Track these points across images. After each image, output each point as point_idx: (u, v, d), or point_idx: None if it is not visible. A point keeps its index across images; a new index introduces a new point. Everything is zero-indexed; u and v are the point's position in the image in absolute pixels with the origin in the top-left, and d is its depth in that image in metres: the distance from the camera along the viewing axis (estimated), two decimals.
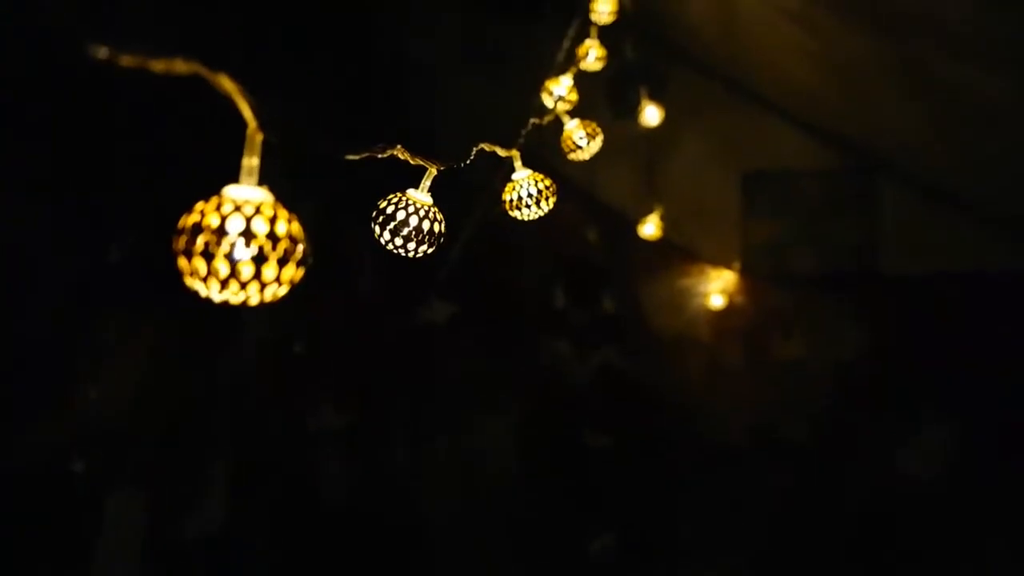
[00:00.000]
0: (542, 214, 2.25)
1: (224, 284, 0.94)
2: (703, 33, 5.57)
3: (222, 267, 0.93)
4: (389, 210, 1.61)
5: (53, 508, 4.05)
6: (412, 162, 1.58)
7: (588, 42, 3.62)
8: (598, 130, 2.76)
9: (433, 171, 1.64)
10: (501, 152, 2.12)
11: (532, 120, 2.54)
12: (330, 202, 4.87)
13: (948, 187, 5.15)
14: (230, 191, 0.97)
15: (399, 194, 1.63)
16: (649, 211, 5.24)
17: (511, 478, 5.69)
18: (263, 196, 0.97)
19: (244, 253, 0.94)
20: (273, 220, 0.96)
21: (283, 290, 0.98)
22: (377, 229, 1.60)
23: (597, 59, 3.64)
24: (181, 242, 0.94)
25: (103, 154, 3.94)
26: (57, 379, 4.07)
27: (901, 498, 5.20)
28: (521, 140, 2.32)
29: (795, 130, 5.65)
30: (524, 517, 5.52)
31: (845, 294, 5.62)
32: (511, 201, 2.24)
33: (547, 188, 2.22)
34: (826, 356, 5.58)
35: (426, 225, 1.61)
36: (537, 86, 3.45)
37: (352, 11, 5.55)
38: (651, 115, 4.90)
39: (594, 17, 3.70)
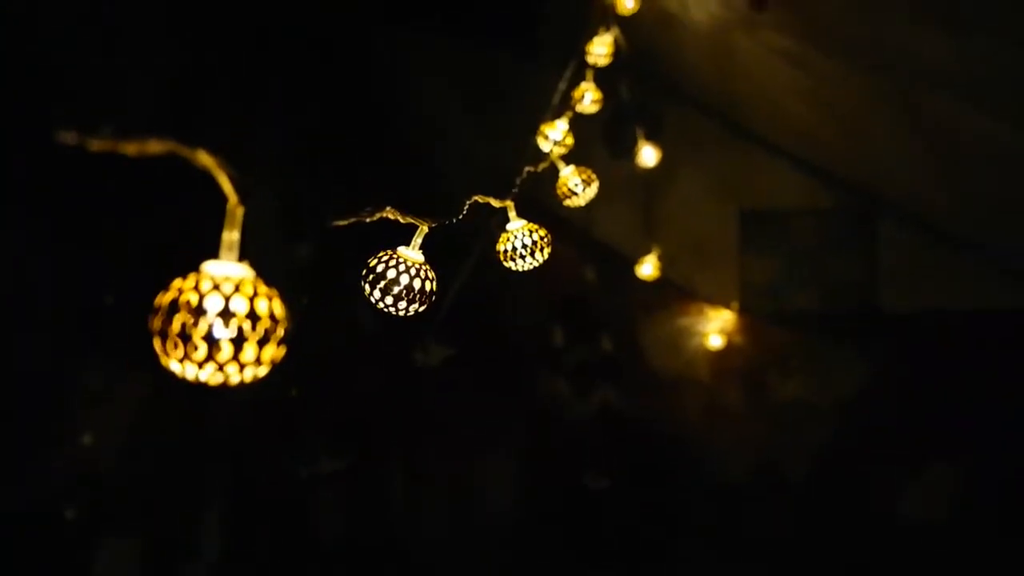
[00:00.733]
0: (537, 265, 2.22)
1: (202, 365, 0.91)
2: (699, 72, 5.59)
3: (199, 349, 0.89)
4: (379, 268, 1.57)
5: (45, 553, 3.99)
6: (403, 220, 1.55)
7: (584, 85, 3.61)
8: (594, 177, 2.74)
9: (425, 228, 1.61)
10: (495, 203, 2.09)
11: (527, 168, 2.52)
12: (327, 241, 4.85)
13: (946, 225, 5.14)
14: (209, 267, 0.93)
15: (389, 252, 1.60)
16: (647, 251, 5.22)
17: (509, 520, 5.61)
18: (243, 272, 0.94)
19: (223, 333, 0.90)
20: (253, 298, 0.93)
21: (263, 370, 0.94)
22: (367, 288, 1.57)
23: (593, 102, 3.63)
24: (157, 322, 0.90)
25: (101, 198, 3.93)
26: (50, 423, 4.02)
27: (902, 539, 5.13)
28: (516, 189, 2.29)
29: (792, 168, 5.65)
30: (522, 560, 5.45)
31: (844, 333, 5.58)
32: (506, 252, 2.21)
33: (542, 239, 2.19)
34: (826, 395, 5.53)
35: (417, 284, 1.57)
36: (533, 128, 3.44)
37: (348, 55, 5.56)
38: (648, 156, 4.89)
39: (590, 59, 3.70)
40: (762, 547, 5.39)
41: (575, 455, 5.73)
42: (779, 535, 5.39)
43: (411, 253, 1.60)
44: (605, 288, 5.99)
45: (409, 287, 1.57)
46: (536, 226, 2.21)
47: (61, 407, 4.08)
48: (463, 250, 5.00)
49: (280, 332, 0.94)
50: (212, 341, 0.90)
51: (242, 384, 0.94)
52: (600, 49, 3.68)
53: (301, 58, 5.11)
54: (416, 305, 1.59)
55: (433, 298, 1.62)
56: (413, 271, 1.58)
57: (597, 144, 5.64)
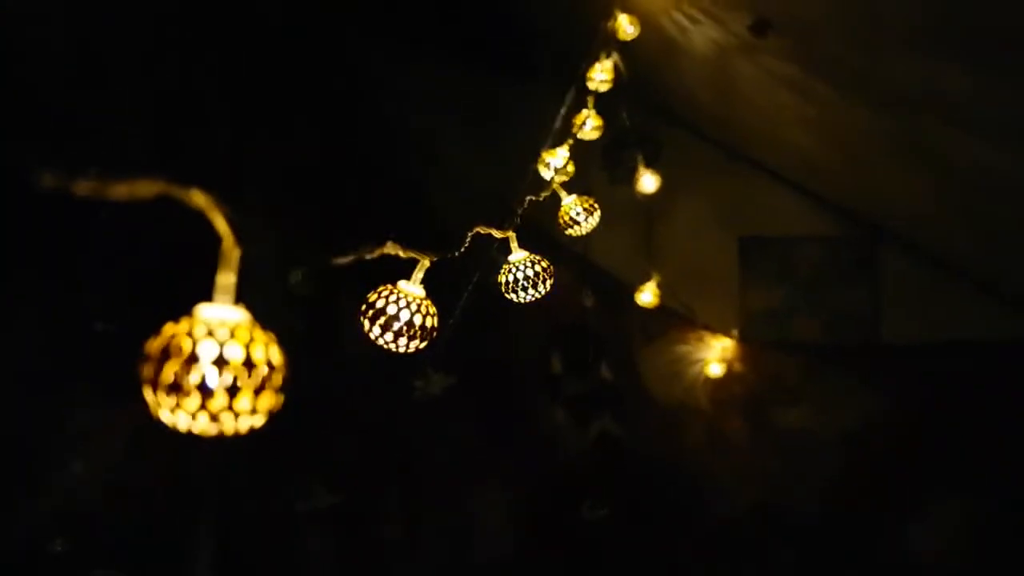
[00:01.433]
0: (539, 296, 2.18)
1: (194, 415, 0.86)
2: (700, 98, 5.57)
3: (191, 400, 0.84)
4: (379, 304, 1.53)
5: None
6: (404, 255, 1.51)
7: (585, 112, 3.60)
8: (595, 206, 2.71)
9: (426, 263, 1.57)
10: (497, 234, 2.05)
11: (528, 197, 2.49)
12: (325, 269, 4.80)
13: (951, 255, 5.10)
14: (203, 311, 0.88)
15: (390, 286, 1.55)
16: (647, 278, 5.17)
17: (508, 550, 5.53)
18: (239, 317, 0.89)
19: (216, 382, 0.85)
20: (249, 344, 0.88)
21: (260, 420, 0.89)
22: (366, 324, 1.52)
23: (594, 128, 3.61)
24: (148, 370, 0.85)
25: (88, 234, 3.91)
26: (38, 459, 3.97)
27: (908, 574, 5.07)
28: (517, 220, 2.26)
29: (794, 196, 5.62)
30: None
31: (847, 362, 5.52)
32: (507, 283, 2.17)
33: (544, 270, 2.15)
34: (829, 426, 5.45)
35: (418, 319, 1.53)
36: (533, 154, 3.41)
37: (347, 81, 5.55)
38: (648, 182, 4.85)
39: (591, 85, 3.68)
40: None
41: (573, 485, 5.65)
42: (780, 568, 5.32)
43: (412, 288, 1.56)
44: (604, 315, 5.94)
45: (410, 323, 1.52)
46: (538, 257, 2.18)
47: (47, 442, 4.03)
48: (463, 279, 4.96)
49: (277, 380, 0.89)
50: (205, 390, 0.85)
51: (237, 435, 0.89)
52: (600, 75, 3.66)
53: (295, 88, 5.10)
54: (416, 342, 1.54)
55: (435, 334, 1.57)
56: (414, 307, 1.53)
57: (597, 170, 5.62)
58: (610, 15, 3.68)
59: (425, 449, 5.46)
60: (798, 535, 5.37)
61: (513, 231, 2.14)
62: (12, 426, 3.78)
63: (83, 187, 0.67)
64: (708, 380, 5.74)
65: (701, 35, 4.45)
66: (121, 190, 0.70)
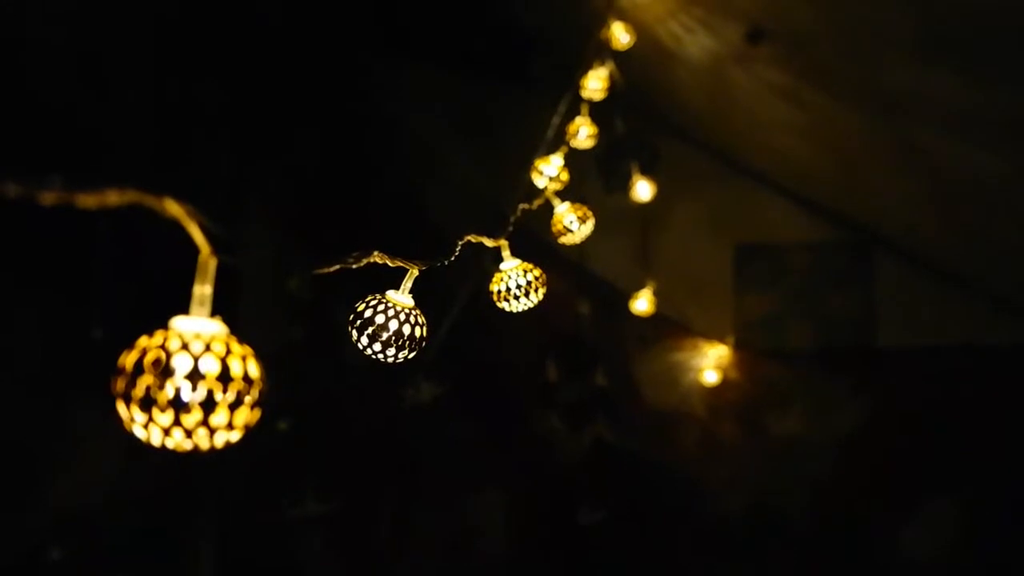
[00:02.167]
0: (531, 306, 2.15)
1: (168, 431, 0.83)
2: (695, 106, 5.57)
3: (163, 417, 0.81)
4: (367, 313, 1.50)
5: None
6: (392, 264, 1.48)
7: (579, 120, 3.58)
8: (589, 214, 2.68)
9: (415, 272, 1.54)
10: (489, 242, 2.03)
11: (521, 205, 2.46)
12: (322, 276, 4.78)
13: (944, 261, 5.10)
14: (178, 323, 0.86)
15: (378, 296, 1.52)
16: (642, 285, 5.15)
17: (503, 557, 5.51)
18: (215, 329, 0.87)
19: (191, 396, 0.83)
20: (226, 357, 0.85)
21: (236, 436, 0.87)
22: (354, 334, 1.49)
23: (588, 137, 3.59)
24: (120, 384, 0.83)
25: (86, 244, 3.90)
26: (38, 465, 3.95)
27: None
28: (510, 228, 2.23)
29: (788, 203, 5.62)
30: None
31: (842, 368, 5.52)
32: (499, 292, 2.14)
33: (537, 279, 2.12)
34: (824, 431, 5.45)
35: (406, 329, 1.50)
36: (527, 162, 3.39)
37: (342, 87, 5.54)
38: (643, 190, 4.84)
39: (585, 94, 3.67)
40: None
41: (569, 491, 5.63)
42: (776, 571, 5.31)
43: (400, 297, 1.53)
44: (599, 323, 5.92)
45: (398, 333, 1.50)
46: (531, 266, 2.15)
47: (44, 450, 4.01)
48: (454, 286, 4.94)
49: (255, 394, 0.87)
50: (180, 405, 0.83)
51: (213, 451, 0.87)
52: (595, 83, 3.65)
53: (296, 98, 5.10)
54: (406, 352, 1.52)
55: (424, 344, 1.55)
56: (403, 316, 1.50)
57: (591, 178, 5.61)
58: (605, 24, 3.67)
59: (424, 453, 5.44)
60: (794, 539, 5.36)
61: (505, 239, 2.11)
62: (12, 432, 3.76)
63: (48, 197, 0.65)
64: (703, 387, 5.73)
65: (696, 44, 4.45)
66: (89, 200, 0.68)
